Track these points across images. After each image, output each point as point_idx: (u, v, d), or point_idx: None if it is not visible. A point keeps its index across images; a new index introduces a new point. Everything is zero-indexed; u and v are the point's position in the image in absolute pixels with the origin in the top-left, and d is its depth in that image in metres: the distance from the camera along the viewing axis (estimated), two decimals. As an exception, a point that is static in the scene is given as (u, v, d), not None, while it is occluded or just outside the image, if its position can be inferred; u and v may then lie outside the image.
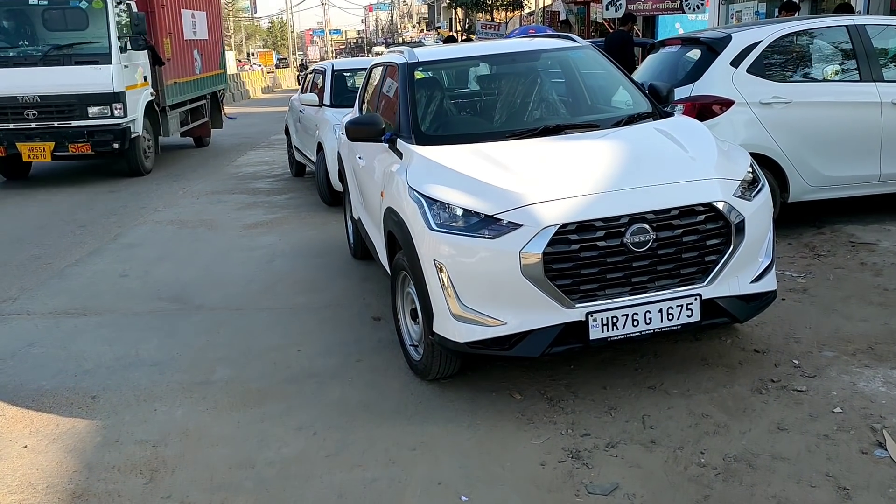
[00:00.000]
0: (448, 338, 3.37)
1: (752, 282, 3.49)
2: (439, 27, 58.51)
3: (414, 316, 3.84)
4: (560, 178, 3.40)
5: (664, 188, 3.34)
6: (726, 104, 5.56)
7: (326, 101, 8.64)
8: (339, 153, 6.23)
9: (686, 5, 14.39)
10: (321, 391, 3.77)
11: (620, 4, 14.69)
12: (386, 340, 4.34)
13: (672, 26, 20.05)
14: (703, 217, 3.30)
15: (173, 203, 9.14)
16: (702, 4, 15.00)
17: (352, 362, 4.10)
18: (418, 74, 4.51)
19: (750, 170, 3.63)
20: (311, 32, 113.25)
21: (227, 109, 18.73)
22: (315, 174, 8.61)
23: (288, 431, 3.39)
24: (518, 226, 3.20)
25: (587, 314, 3.22)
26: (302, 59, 47.35)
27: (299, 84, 32.83)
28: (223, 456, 3.21)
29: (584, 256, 3.20)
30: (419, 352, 3.80)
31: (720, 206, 3.32)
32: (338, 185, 7.36)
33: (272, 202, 8.93)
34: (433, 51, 4.96)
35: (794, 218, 6.13)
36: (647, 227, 3.22)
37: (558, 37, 5.07)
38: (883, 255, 5.15)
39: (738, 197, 3.40)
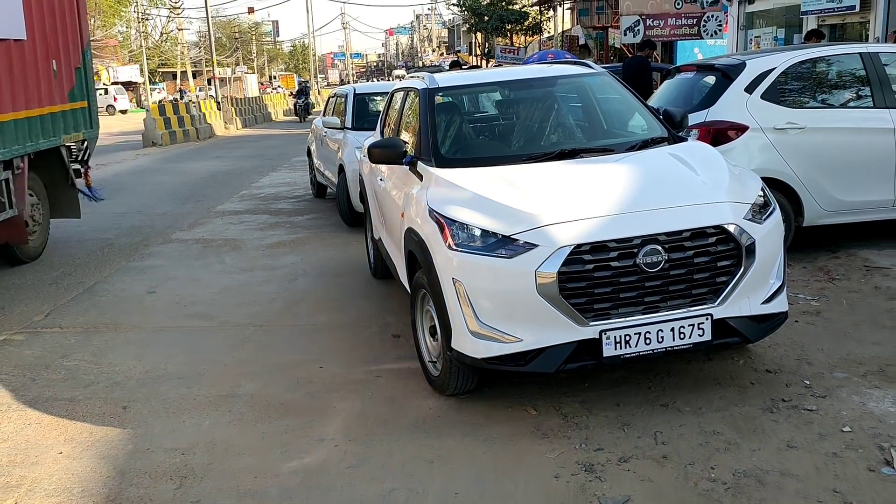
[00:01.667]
0: (466, 353, 3.49)
1: (763, 303, 3.58)
2: (459, 51, 59.15)
3: (433, 333, 3.96)
4: (575, 200, 3.52)
5: (676, 211, 3.45)
6: (741, 129, 5.67)
7: (348, 124, 8.85)
8: (360, 175, 6.39)
9: (704, 31, 14.54)
10: (342, 405, 3.89)
11: (639, 30, 14.89)
12: (405, 357, 4.46)
13: (691, 51, 20.21)
14: (714, 239, 3.40)
15: (198, 223, 9.36)
16: (720, 30, 15.16)
17: (372, 378, 4.22)
18: (438, 99, 4.67)
19: (761, 193, 3.73)
20: (332, 56, 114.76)
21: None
22: (336, 195, 8.78)
23: (310, 443, 3.50)
24: (534, 246, 3.32)
25: (601, 332, 3.33)
26: (300, 83, 40.61)
27: (296, 113, 29.94)
28: (248, 465, 3.33)
29: (598, 276, 3.31)
30: (437, 367, 3.91)
31: (731, 228, 3.42)
32: (359, 206, 7.52)
33: (294, 222, 9.12)
34: (452, 77, 5.12)
35: (809, 242, 6.20)
36: (659, 248, 3.33)
37: (574, 63, 5.21)
38: (897, 279, 5.21)
39: (748, 220, 3.50)
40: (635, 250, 3.32)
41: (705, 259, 3.40)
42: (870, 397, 3.58)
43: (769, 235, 3.58)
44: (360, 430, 3.62)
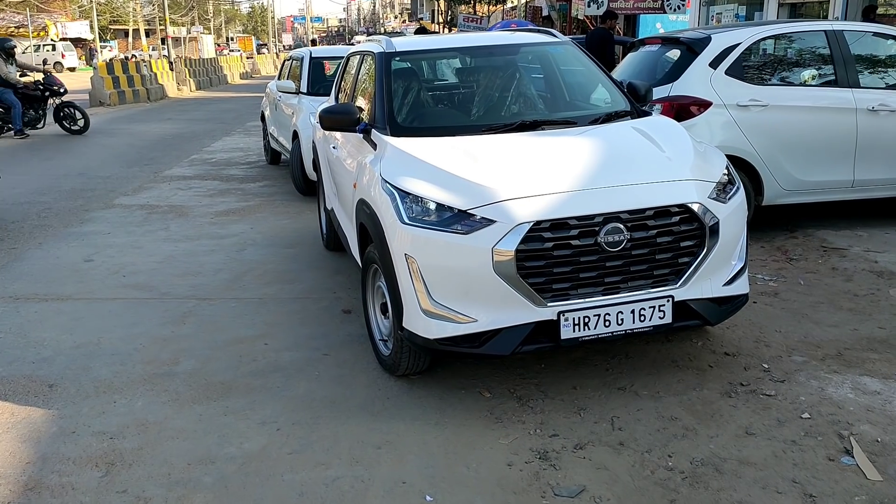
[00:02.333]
0: (418, 333, 3.31)
1: (724, 284, 3.47)
2: (421, 18, 58.25)
3: (384, 310, 3.78)
4: (535, 175, 3.35)
5: (639, 188, 3.31)
6: (704, 105, 5.55)
7: (303, 88, 8.53)
8: (313, 142, 6.13)
9: (667, 5, 14.40)
10: (287, 385, 3.69)
11: (602, 2, 14.68)
12: (355, 335, 4.27)
13: (653, 26, 20.08)
14: (677, 218, 3.27)
15: (143, 188, 8.97)
16: (683, 5, 15.04)
17: (319, 356, 4.02)
18: (395, 65, 4.43)
19: (725, 172, 3.61)
20: (292, 19, 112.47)
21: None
22: (290, 162, 8.49)
23: (251, 426, 3.31)
24: (491, 222, 3.15)
25: (559, 313, 3.18)
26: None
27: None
28: (183, 450, 3.12)
29: (558, 255, 3.15)
30: (388, 347, 3.74)
31: (695, 207, 3.29)
32: (312, 175, 7.27)
33: (245, 190, 8.80)
34: (411, 41, 4.88)
35: (767, 221, 6.15)
36: (621, 226, 3.18)
37: (538, 31, 5.00)
38: (854, 261, 5.18)
39: (712, 199, 3.38)
40: (597, 228, 3.17)
41: (668, 239, 3.27)
42: (828, 382, 3.51)
43: (733, 215, 3.46)
44: (304, 412, 3.43)
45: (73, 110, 13.73)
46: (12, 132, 13.02)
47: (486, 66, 4.61)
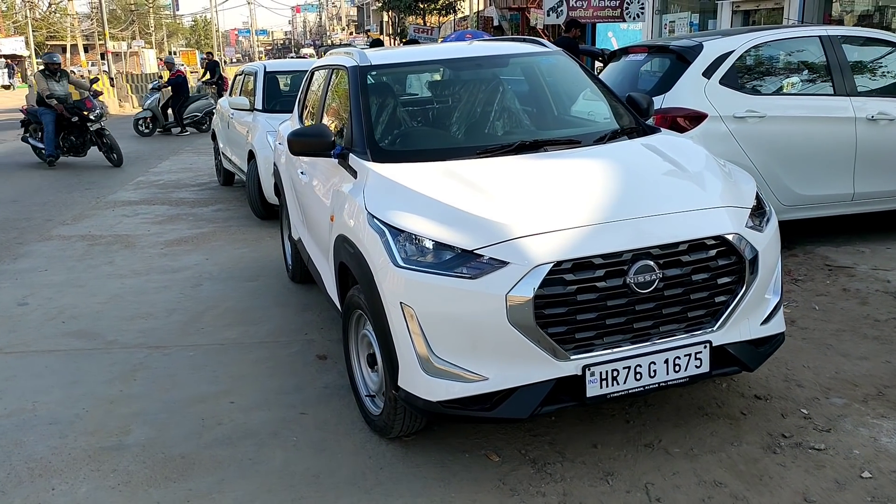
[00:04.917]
0: (417, 395, 2.81)
1: (762, 324, 3.05)
2: (369, 30, 57.79)
3: (371, 362, 3.27)
4: (549, 206, 2.89)
5: (670, 218, 2.87)
6: (700, 117, 5.18)
7: (258, 105, 7.95)
8: (274, 164, 5.57)
9: (627, 14, 14.21)
10: (260, 457, 3.15)
11: (562, 10, 14.41)
12: (334, 386, 3.75)
13: (605, 35, 19.95)
14: (714, 252, 2.85)
15: (84, 215, 8.25)
16: (642, 13, 14.88)
17: (295, 416, 3.49)
18: (372, 80, 3.94)
19: (755, 196, 3.20)
20: (236, 32, 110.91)
21: None
22: (246, 184, 7.90)
23: (221, 515, 2.76)
24: (504, 263, 2.67)
25: (584, 367, 2.72)
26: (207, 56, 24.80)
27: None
28: (138, 553, 2.56)
29: (582, 299, 2.69)
30: (377, 405, 3.23)
31: (732, 238, 2.87)
32: (272, 198, 6.73)
33: (197, 215, 8.16)
34: (387, 53, 4.38)
35: (762, 238, 5.80)
36: (652, 264, 2.74)
37: (524, 41, 4.55)
38: (864, 281, 4.85)
39: (749, 228, 2.97)
40: (625, 267, 2.72)
41: (704, 276, 2.84)
42: (879, 430, 3.12)
43: (770, 245, 3.06)
44: (284, 492, 2.89)
45: (106, 140, 12.12)
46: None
47: (474, 79, 4.12)
